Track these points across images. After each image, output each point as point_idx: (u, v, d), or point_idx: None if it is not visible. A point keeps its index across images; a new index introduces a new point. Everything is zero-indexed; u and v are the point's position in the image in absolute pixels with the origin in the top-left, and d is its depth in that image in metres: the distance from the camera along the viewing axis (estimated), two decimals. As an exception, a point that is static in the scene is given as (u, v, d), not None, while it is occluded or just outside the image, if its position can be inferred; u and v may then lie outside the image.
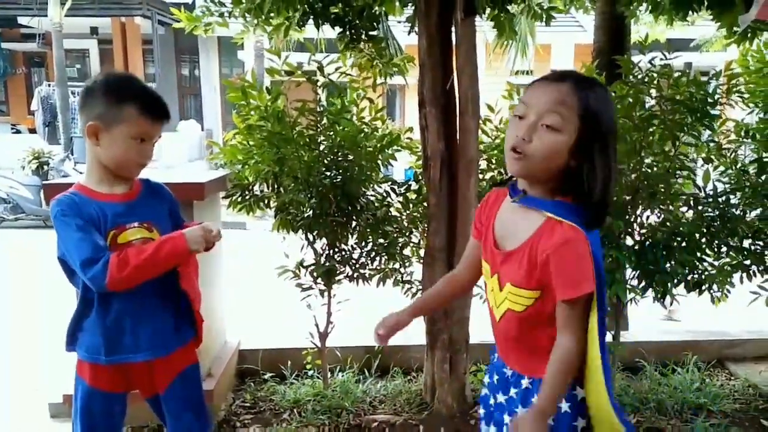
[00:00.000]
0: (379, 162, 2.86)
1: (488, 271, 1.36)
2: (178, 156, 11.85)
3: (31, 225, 9.16)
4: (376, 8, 2.85)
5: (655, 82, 2.61)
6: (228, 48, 14.44)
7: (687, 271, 2.69)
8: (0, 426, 2.76)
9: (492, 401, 1.45)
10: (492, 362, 1.48)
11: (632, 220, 2.72)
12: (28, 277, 6.13)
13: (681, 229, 2.66)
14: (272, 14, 2.98)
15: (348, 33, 2.85)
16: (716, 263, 2.75)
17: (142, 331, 1.64)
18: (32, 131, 13.68)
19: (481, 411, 1.51)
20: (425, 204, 2.77)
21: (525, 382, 1.35)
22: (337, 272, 2.78)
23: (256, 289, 5.10)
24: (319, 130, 2.71)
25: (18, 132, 13.50)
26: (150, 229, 1.64)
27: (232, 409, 2.69)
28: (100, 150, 1.57)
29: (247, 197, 2.82)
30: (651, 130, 2.66)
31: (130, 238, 1.60)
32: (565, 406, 1.30)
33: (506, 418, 1.38)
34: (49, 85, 13.51)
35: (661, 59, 2.59)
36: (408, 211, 2.89)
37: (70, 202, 1.56)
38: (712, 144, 2.73)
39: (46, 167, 9.65)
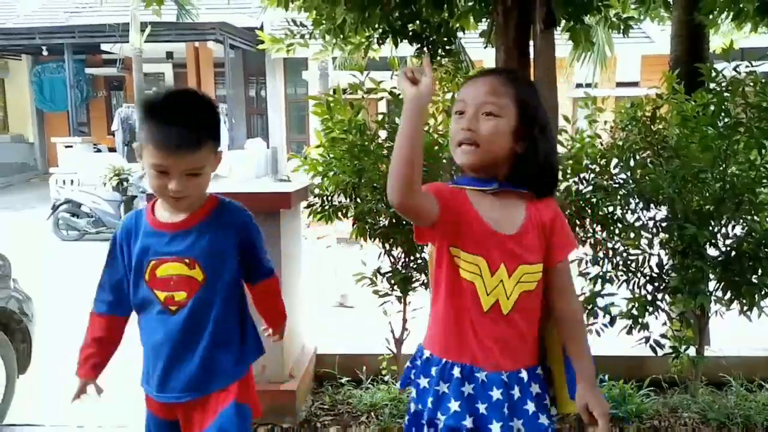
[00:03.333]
0: (453, 172, 2.92)
1: (487, 266, 1.31)
2: (246, 172, 12.32)
3: (110, 238, 9.73)
4: (453, 23, 2.93)
5: (741, 89, 2.56)
6: (293, 69, 14.95)
7: (775, 283, 2.59)
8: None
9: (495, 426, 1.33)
10: (470, 393, 1.34)
11: (716, 230, 2.67)
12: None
13: (768, 239, 2.57)
14: (351, 33, 3.13)
15: (425, 49, 2.95)
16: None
17: (176, 371, 1.53)
18: (112, 150, 14.57)
19: None
20: (500, 213, 2.80)
21: (539, 371, 1.41)
22: (413, 280, 2.84)
23: (322, 296, 5.24)
24: (397, 141, 2.80)
25: (99, 151, 14.40)
26: (192, 265, 1.49)
27: (312, 410, 2.79)
28: None
29: (327, 207, 2.94)
30: (736, 138, 2.61)
31: (168, 273, 1.49)
32: (535, 388, 1.39)
33: (543, 419, 1.38)
34: (128, 107, 14.38)
35: (747, 66, 2.54)
36: (483, 221, 2.93)
37: (125, 228, 1.54)
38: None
39: (125, 183, 10.24)
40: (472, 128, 1.28)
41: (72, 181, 12.08)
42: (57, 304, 5.03)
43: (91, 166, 11.71)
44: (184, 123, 1.38)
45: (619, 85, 13.69)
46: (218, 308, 1.52)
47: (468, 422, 1.32)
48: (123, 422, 2.83)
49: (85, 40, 13.77)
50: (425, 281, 2.88)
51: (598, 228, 2.85)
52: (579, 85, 10.86)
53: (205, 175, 1.45)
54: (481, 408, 1.33)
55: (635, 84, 12.88)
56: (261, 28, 12.70)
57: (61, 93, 15.41)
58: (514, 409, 1.35)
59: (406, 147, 1.18)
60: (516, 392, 1.36)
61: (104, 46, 14.65)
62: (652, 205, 2.75)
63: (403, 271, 2.82)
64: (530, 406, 1.36)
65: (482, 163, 1.31)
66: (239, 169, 11.91)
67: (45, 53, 14.58)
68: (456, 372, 1.35)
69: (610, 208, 2.81)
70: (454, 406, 1.33)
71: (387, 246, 2.84)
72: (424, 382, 1.39)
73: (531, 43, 2.52)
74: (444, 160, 2.86)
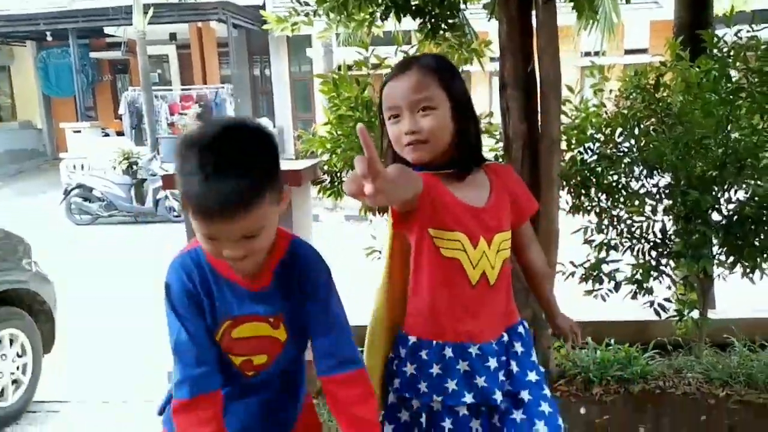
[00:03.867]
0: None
1: (468, 241, 1.34)
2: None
3: (123, 221, 9.90)
4: (455, -3, 2.95)
5: (742, 55, 2.58)
6: (296, 47, 14.88)
7: (778, 245, 2.64)
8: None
9: (497, 395, 1.36)
10: (466, 369, 1.36)
11: (719, 195, 2.71)
12: (124, 269, 6.65)
13: (771, 203, 2.62)
14: (354, 10, 3.15)
15: (428, 23, 2.97)
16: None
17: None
18: (119, 134, 14.67)
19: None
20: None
21: (521, 329, 1.46)
22: (423, 252, 2.92)
23: (339, 274, 5.34)
24: (403, 116, 2.86)
25: (107, 135, 14.49)
26: (276, 324, 1.24)
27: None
28: None
29: (336, 183, 3.01)
30: (738, 103, 2.64)
31: (245, 334, 1.23)
32: (518, 347, 1.44)
33: (531, 375, 1.41)
34: (134, 90, 14.42)
35: (747, 31, 2.55)
36: (489, 193, 2.99)
37: (187, 274, 1.18)
38: (803, 116, 2.66)
39: (135, 167, 10.37)
40: (415, 129, 1.29)
41: (82, 165, 12.22)
42: (75, 287, 5.17)
43: (100, 150, 11.83)
44: (234, 177, 1.01)
45: (628, 52, 13.51)
46: (297, 364, 1.35)
47: (468, 398, 1.33)
48: (149, 397, 2.95)
49: (88, 24, 13.75)
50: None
51: (603, 196, 2.90)
52: (587, 54, 10.75)
53: (270, 229, 1.12)
54: (480, 381, 1.34)
55: (644, 51, 12.70)
56: (263, 7, 12.63)
57: (66, 78, 15.46)
58: (508, 374, 1.39)
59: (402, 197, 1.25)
60: (503, 357, 1.39)
61: (108, 30, 14.64)
62: (655, 173, 2.79)
63: (412, 244, 2.89)
64: (513, 366, 1.40)
65: (434, 156, 1.33)
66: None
67: (49, 39, 14.59)
68: (448, 352, 1.35)
69: (615, 177, 2.86)
70: (451, 385, 1.34)
71: (396, 219, 2.91)
72: (410, 368, 1.37)
73: (534, 14, 2.53)
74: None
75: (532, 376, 1.41)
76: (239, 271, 1.18)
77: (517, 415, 1.36)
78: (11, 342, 3.11)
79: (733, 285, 2.88)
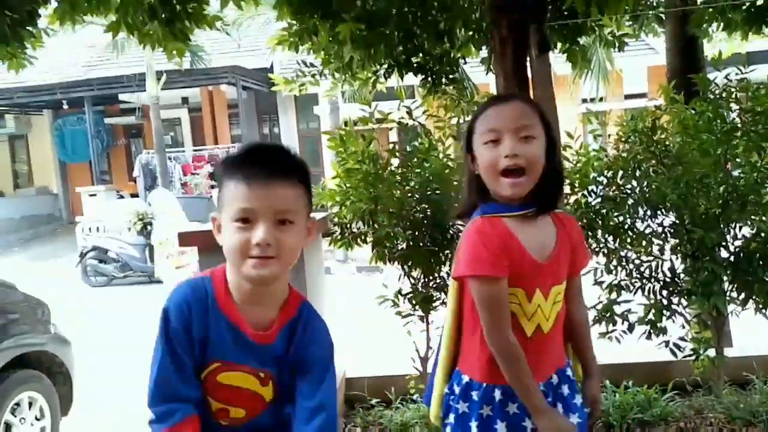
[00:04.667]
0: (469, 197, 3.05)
1: (524, 295, 1.36)
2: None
3: (137, 282, 9.97)
4: (454, 53, 3.10)
5: (734, 96, 2.67)
6: (304, 105, 15.32)
7: (788, 280, 2.65)
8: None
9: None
10: (515, 411, 1.41)
11: (725, 232, 2.74)
12: (135, 332, 6.68)
13: (777, 238, 2.65)
14: (358, 69, 3.32)
15: (430, 79, 3.12)
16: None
17: None
18: (134, 196, 14.94)
19: None
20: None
21: (569, 371, 1.48)
22: (434, 299, 2.95)
23: (352, 324, 5.34)
24: (408, 168, 2.95)
25: (122, 197, 14.78)
26: (266, 381, 1.20)
27: (345, 433, 2.88)
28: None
29: (346, 234, 3.08)
30: (734, 142, 2.71)
31: (231, 382, 1.18)
32: (564, 389, 1.46)
33: (574, 418, 1.44)
34: (147, 153, 14.81)
35: (737, 74, 2.65)
36: (497, 238, 3.04)
37: (187, 303, 1.15)
38: (800, 151, 2.72)
39: (149, 227, 10.52)
40: (517, 153, 1.27)
41: (98, 228, 12.41)
42: (92, 349, 5.19)
43: (115, 212, 12.02)
44: (275, 158, 1.12)
45: (628, 97, 13.76)
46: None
47: None
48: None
49: (103, 92, 14.28)
50: (445, 300, 2.98)
51: (610, 238, 2.94)
52: (585, 101, 10.98)
53: (297, 232, 1.11)
54: (528, 424, 1.38)
55: (643, 95, 12.93)
56: (271, 69, 13.12)
57: (82, 144, 15.92)
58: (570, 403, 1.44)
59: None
60: (550, 398, 1.42)
61: (122, 96, 15.17)
62: (659, 212, 2.84)
63: (423, 291, 2.93)
64: (559, 408, 1.43)
65: (529, 187, 1.31)
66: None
67: (65, 107, 15.14)
68: (497, 394, 1.39)
69: (620, 218, 2.91)
70: (500, 427, 1.38)
71: (406, 268, 2.96)
72: (463, 407, 1.42)
73: (529, 65, 2.66)
74: (454, 182, 2.99)
75: (575, 419, 1.44)
76: (262, 279, 1.10)
77: None
78: (30, 405, 3.13)
79: (751, 322, 2.87)
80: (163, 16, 2.66)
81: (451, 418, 1.45)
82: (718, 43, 6.22)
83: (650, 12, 3.47)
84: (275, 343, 1.18)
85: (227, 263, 1.16)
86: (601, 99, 9.13)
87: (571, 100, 10.52)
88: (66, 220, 16.79)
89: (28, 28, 2.84)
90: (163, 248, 6.28)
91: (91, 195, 13.99)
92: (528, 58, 2.59)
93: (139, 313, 7.80)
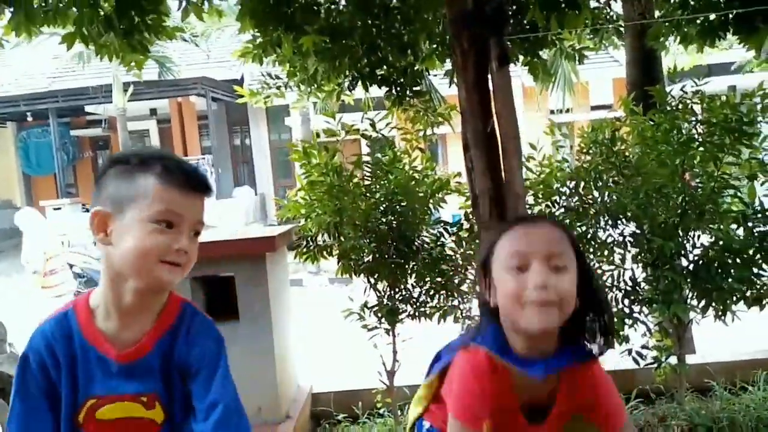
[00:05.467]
0: (431, 206, 3.05)
1: None
2: (235, 221, 12.41)
3: (104, 296, 9.73)
4: (418, 66, 3.11)
5: (689, 107, 2.74)
6: (275, 116, 15.25)
7: (745, 287, 2.71)
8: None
9: None
10: None
11: (684, 241, 2.79)
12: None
13: (733, 246, 2.70)
14: (323, 81, 3.30)
15: (394, 91, 3.12)
16: (775, 277, 2.76)
17: None
18: (101, 209, 14.63)
19: None
20: (477, 241, 2.93)
21: None
22: (400, 311, 2.94)
23: (321, 338, 5.29)
24: (374, 180, 2.95)
25: (87, 211, 14.41)
26: (151, 404, 1.09)
27: (310, 449, 2.83)
28: (111, 249, 1.05)
29: (312, 247, 3.05)
30: (691, 153, 2.77)
31: (115, 415, 1.07)
32: None
33: None
34: (114, 165, 14.53)
35: (692, 86, 2.72)
36: (462, 249, 3.05)
37: (45, 343, 1.06)
38: (754, 161, 2.80)
39: (115, 241, 10.30)
40: (548, 285, 1.06)
41: (62, 242, 12.10)
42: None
43: (81, 226, 11.76)
44: (197, 170, 1.13)
45: (594, 108, 14.06)
46: None
47: None
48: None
49: (68, 104, 13.99)
50: (411, 312, 2.97)
51: (573, 248, 2.97)
52: (552, 112, 11.17)
53: (197, 245, 1.11)
54: None
55: (609, 107, 13.22)
56: (241, 80, 13.02)
57: (47, 157, 15.56)
58: None
59: None
60: None
61: (88, 108, 14.88)
62: (620, 222, 2.88)
63: (389, 304, 2.91)
64: None
65: (559, 325, 1.10)
66: (228, 217, 12.02)
67: (30, 119, 14.79)
68: None
69: (583, 228, 2.94)
70: None
71: (372, 280, 2.94)
72: None
73: (490, 77, 2.68)
74: (420, 194, 2.99)
75: None
76: (170, 284, 1.06)
77: None
78: (-18, 428, 3.01)
79: (714, 329, 2.92)
80: (121, 27, 2.61)
81: None
82: (678, 55, 6.41)
83: (609, 25, 3.55)
84: (147, 357, 1.07)
85: (109, 275, 1.06)
86: (568, 110, 9.29)
87: (539, 111, 10.69)
88: (30, 235, 16.32)
89: (-19, 38, 2.76)
90: (30, 267, 6.14)
91: (55, 209, 13.64)
92: (490, 71, 2.61)
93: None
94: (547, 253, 1.08)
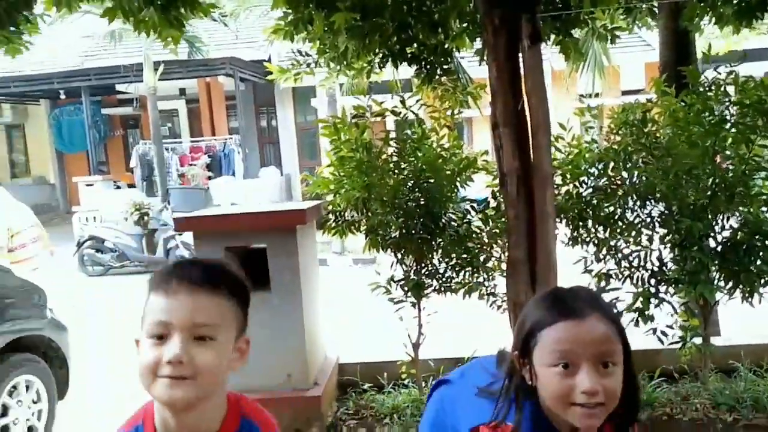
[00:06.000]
0: (458, 183, 3.09)
1: None
2: (261, 200, 12.59)
3: (134, 271, 10.00)
4: (448, 44, 3.12)
5: (722, 89, 2.71)
6: (302, 97, 15.30)
7: (773, 269, 2.70)
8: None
9: None
10: None
11: (713, 223, 2.79)
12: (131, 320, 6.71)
13: (763, 228, 2.69)
14: (353, 59, 3.34)
15: (424, 69, 3.14)
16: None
17: None
18: (131, 186, 14.96)
19: None
20: (503, 219, 2.96)
21: None
22: (426, 286, 3.00)
23: (347, 313, 5.39)
24: (402, 157, 2.99)
25: (119, 188, 14.78)
26: None
27: (337, 416, 2.94)
28: None
29: (340, 222, 3.12)
30: (723, 135, 2.75)
31: None
32: None
33: None
34: (145, 143, 14.80)
35: (726, 67, 2.69)
36: (488, 227, 3.08)
37: None
38: (787, 143, 2.77)
39: (146, 218, 10.54)
40: (598, 389, 1.01)
41: (94, 218, 12.44)
42: (89, 336, 5.23)
43: (112, 202, 12.06)
44: (201, 268, 1.01)
45: (625, 93, 13.79)
46: None
47: None
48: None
49: (100, 82, 14.22)
50: (436, 287, 3.03)
51: (600, 228, 2.99)
52: (582, 96, 11.01)
53: (219, 351, 0.97)
54: None
55: (640, 91, 12.97)
56: (269, 60, 13.06)
57: (79, 134, 15.89)
58: None
59: None
60: None
61: (119, 87, 15.12)
62: (649, 203, 2.89)
63: (415, 278, 2.97)
64: None
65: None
66: (254, 197, 12.19)
67: (63, 97, 15.10)
68: None
69: (610, 209, 2.96)
70: None
71: (399, 255, 3.01)
72: None
73: (521, 56, 2.69)
74: (447, 172, 3.03)
75: None
76: (174, 402, 0.95)
77: None
78: (27, 388, 3.17)
79: (741, 311, 2.92)
80: (159, 2, 2.68)
81: None
82: (714, 39, 6.26)
83: (643, 4, 3.50)
84: None
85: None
86: (597, 95, 9.17)
87: (567, 95, 10.55)
88: (63, 210, 16.77)
89: (24, 12, 2.85)
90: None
91: (88, 185, 13.97)
92: (520, 50, 2.62)
93: (135, 302, 7.85)
94: (598, 354, 1.03)
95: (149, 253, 9.97)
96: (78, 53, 16.26)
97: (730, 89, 2.81)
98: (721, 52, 8.29)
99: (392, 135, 3.07)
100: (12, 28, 2.93)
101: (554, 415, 1.09)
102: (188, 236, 8.22)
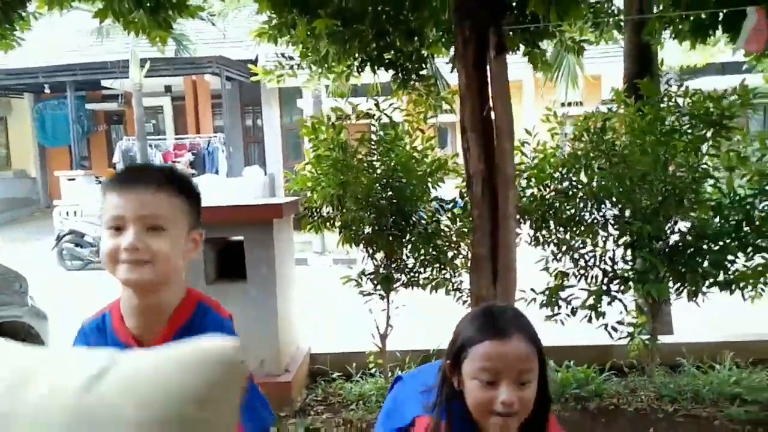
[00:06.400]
0: (429, 184, 3.26)
1: None
2: (244, 198, 12.67)
3: (115, 266, 10.03)
4: (424, 51, 3.30)
5: (673, 100, 2.92)
6: (287, 98, 15.41)
7: (717, 271, 2.90)
8: None
9: None
10: None
11: (663, 226, 2.99)
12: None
13: (708, 232, 2.90)
14: (334, 63, 3.50)
15: (400, 75, 3.31)
16: (749, 264, 2.95)
17: None
18: (113, 182, 14.91)
19: None
20: (470, 218, 3.13)
21: None
22: (394, 280, 3.16)
23: (322, 310, 5.53)
24: (376, 156, 3.16)
25: (100, 182, 14.74)
26: None
27: (306, 402, 3.08)
28: None
29: (316, 218, 3.27)
30: (674, 144, 2.95)
31: None
32: None
33: None
34: (128, 140, 14.80)
35: (676, 81, 2.90)
36: (456, 226, 3.26)
37: (85, 336, 1.19)
38: (733, 153, 2.98)
39: (128, 213, 10.58)
40: (514, 401, 1.15)
41: (75, 212, 12.40)
42: (67, 327, 5.30)
43: (93, 197, 12.05)
44: (151, 169, 1.17)
45: (606, 102, 14.12)
46: None
47: None
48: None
49: (85, 77, 14.21)
50: (405, 281, 3.19)
51: (561, 229, 3.17)
52: (563, 104, 11.28)
53: (171, 240, 1.11)
54: None
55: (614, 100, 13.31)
56: (256, 60, 13.19)
57: (62, 129, 15.83)
58: None
59: None
60: None
61: (104, 82, 15.11)
62: (603, 206, 3.08)
63: (384, 272, 3.13)
64: None
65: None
66: (237, 196, 12.27)
67: (47, 91, 15.04)
68: None
69: (571, 211, 3.14)
70: None
71: (370, 250, 3.16)
72: None
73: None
74: (419, 172, 3.20)
75: None
76: (136, 281, 1.09)
77: None
78: (6, 371, 3.26)
79: (698, 313, 3.12)
80: (148, 5, 2.81)
81: None
82: (691, 53, 6.52)
83: (608, 19, 3.70)
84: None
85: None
86: (579, 103, 9.42)
87: (550, 104, 10.80)
88: (43, 204, 16.67)
89: (18, 11, 2.97)
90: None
91: (69, 179, 13.92)
92: (488, 59, 2.79)
93: (114, 296, 7.89)
94: (518, 372, 1.16)
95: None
96: (64, 48, 16.20)
97: (684, 100, 3.01)
98: (700, 65, 8.61)
99: (365, 135, 3.24)
100: (6, 25, 3.05)
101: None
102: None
